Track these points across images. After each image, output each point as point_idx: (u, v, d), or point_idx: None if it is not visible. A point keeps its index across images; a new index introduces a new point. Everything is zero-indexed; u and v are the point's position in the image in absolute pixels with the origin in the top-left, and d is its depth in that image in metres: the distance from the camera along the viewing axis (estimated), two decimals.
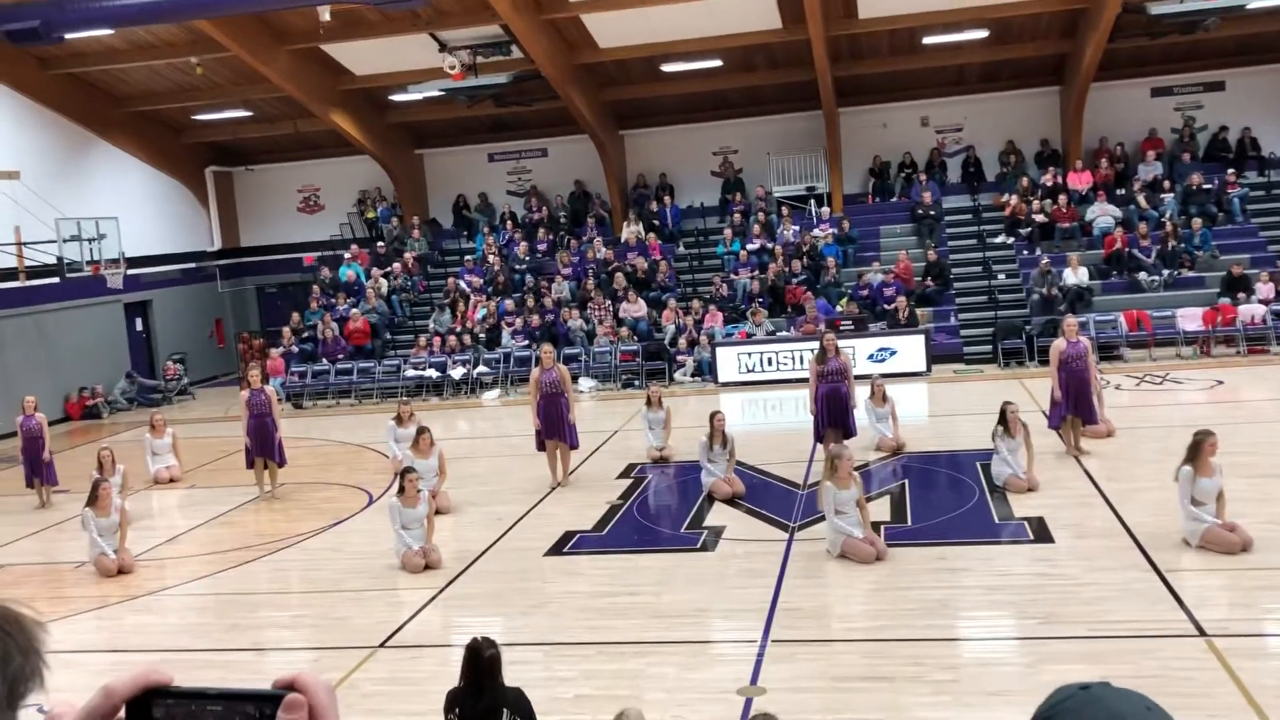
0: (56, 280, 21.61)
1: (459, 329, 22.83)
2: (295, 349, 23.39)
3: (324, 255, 26.79)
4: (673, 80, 24.23)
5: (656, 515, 12.52)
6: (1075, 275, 20.86)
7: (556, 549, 11.08)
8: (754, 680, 7.49)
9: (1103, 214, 22.62)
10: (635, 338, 21.82)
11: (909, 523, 11.12)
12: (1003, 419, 11.95)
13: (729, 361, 20.52)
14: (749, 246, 23.47)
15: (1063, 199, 22.86)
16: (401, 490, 10.84)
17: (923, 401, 18.22)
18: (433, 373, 21.97)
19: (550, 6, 20.61)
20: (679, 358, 21.26)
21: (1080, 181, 23.52)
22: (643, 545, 11.23)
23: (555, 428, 13.57)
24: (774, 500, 12.26)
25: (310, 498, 14.37)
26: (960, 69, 24.41)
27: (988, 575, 9.39)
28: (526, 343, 22.01)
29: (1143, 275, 21.05)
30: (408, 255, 25.71)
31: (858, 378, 14.31)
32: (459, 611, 9.67)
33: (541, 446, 13.74)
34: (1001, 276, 22.37)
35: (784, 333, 21.23)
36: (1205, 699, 6.67)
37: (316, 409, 21.93)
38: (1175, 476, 9.57)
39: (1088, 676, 1.35)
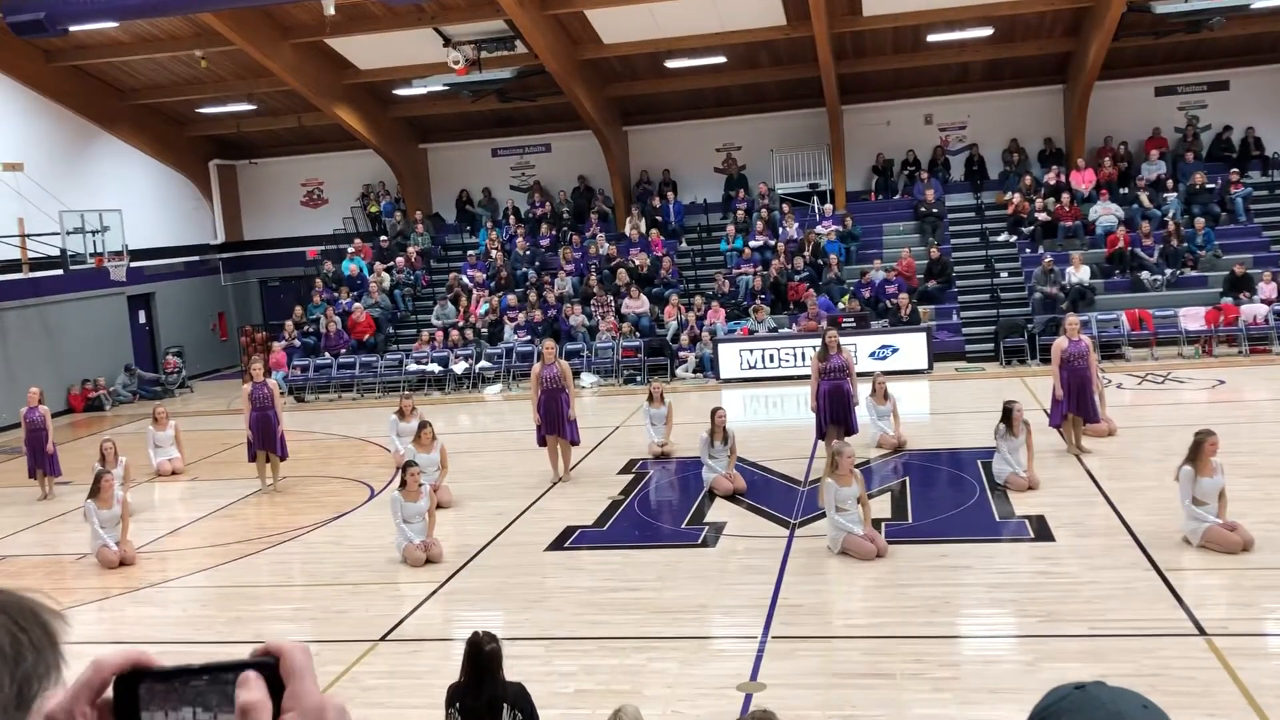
0: (60, 272, 21.65)
1: (461, 324, 22.85)
2: (298, 342, 23.41)
3: (327, 249, 26.82)
4: (677, 76, 24.22)
5: (657, 511, 12.53)
6: (1078, 274, 20.86)
7: (557, 544, 11.10)
8: (754, 676, 7.50)
9: (1106, 213, 22.60)
10: (637, 333, 21.84)
11: (910, 520, 11.13)
12: (1006, 417, 11.95)
13: (731, 358, 20.52)
14: (752, 243, 23.47)
15: (1066, 197, 22.85)
16: (403, 484, 10.86)
17: (924, 399, 18.22)
18: (435, 367, 21.99)
19: (554, 2, 20.60)
20: (681, 354, 21.27)
21: (1083, 180, 23.50)
22: (644, 541, 11.26)
23: (556, 423, 13.59)
24: (775, 497, 12.28)
25: (312, 491, 14.40)
26: (964, 67, 24.39)
27: (988, 573, 9.40)
28: (529, 338, 22.02)
29: (1145, 274, 21.04)
30: (411, 250, 25.72)
31: (860, 375, 14.31)
32: (460, 606, 9.70)
33: (543, 442, 13.75)
34: (1004, 275, 22.37)
35: (786, 329, 21.23)
36: (1205, 698, 6.68)
37: (318, 402, 21.96)
38: (1176, 476, 9.58)
39: (1088, 675, 1.37)
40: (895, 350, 19.92)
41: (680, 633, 8.52)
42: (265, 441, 14.30)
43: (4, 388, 20.94)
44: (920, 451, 14.04)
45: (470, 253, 25.58)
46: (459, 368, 21.79)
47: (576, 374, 18.67)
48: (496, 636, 6.02)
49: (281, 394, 16.05)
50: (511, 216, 26.33)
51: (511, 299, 23.22)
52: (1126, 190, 23.39)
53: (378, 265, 25.14)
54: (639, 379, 20.79)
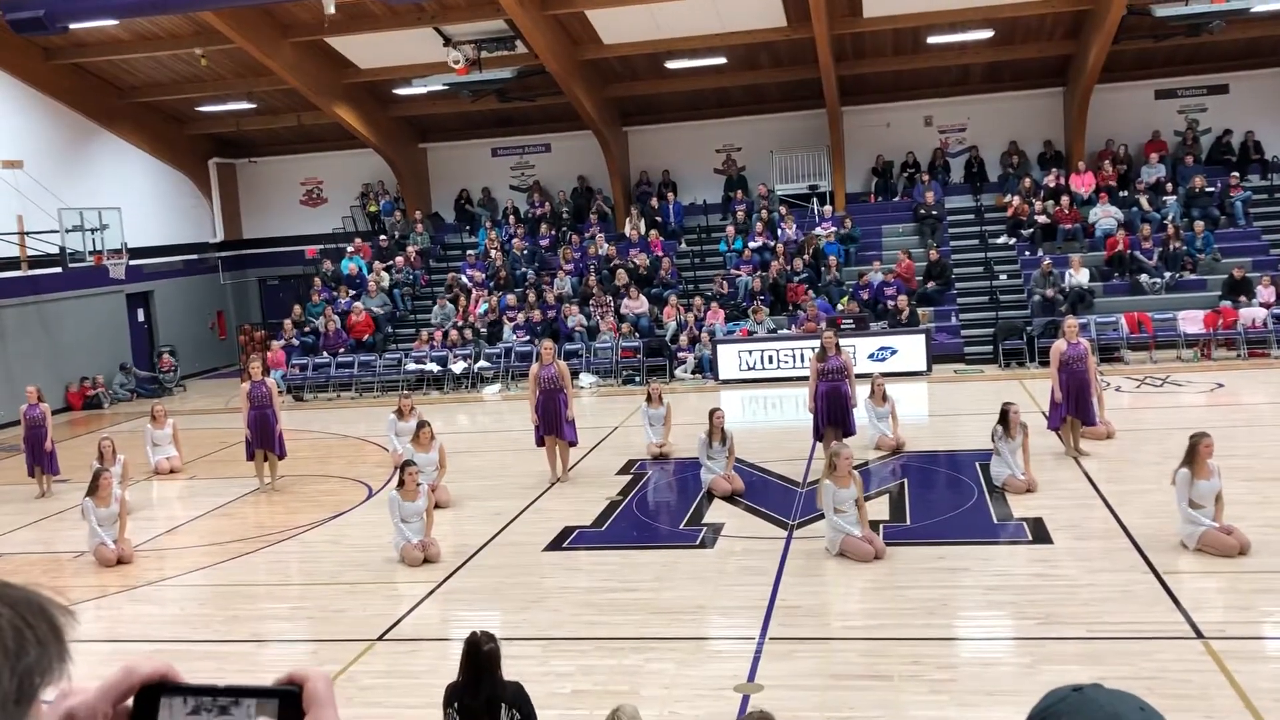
0: (59, 270, 21.64)
1: (460, 323, 22.85)
2: (296, 341, 23.41)
3: (326, 248, 26.82)
4: (677, 77, 24.23)
5: (656, 512, 12.53)
6: (1077, 276, 20.87)
7: (555, 544, 11.09)
8: (751, 677, 7.50)
9: (1105, 216, 22.61)
10: (636, 334, 21.84)
11: (908, 522, 11.13)
12: (1003, 419, 11.96)
13: (730, 359, 20.53)
14: (751, 244, 23.48)
15: (1065, 200, 22.86)
16: (401, 483, 10.85)
17: (923, 401, 18.22)
18: (434, 367, 21.99)
19: (555, 2, 20.60)
20: (680, 355, 21.27)
21: (1083, 183, 23.51)
22: (642, 541, 11.25)
23: (554, 424, 13.59)
24: (773, 498, 12.28)
25: (310, 490, 14.39)
26: (964, 69, 24.40)
27: (986, 575, 9.41)
28: (528, 338, 22.02)
29: (1144, 277, 21.05)
30: (410, 249, 25.72)
31: (858, 376, 14.32)
32: (457, 605, 9.69)
33: (541, 442, 13.75)
34: (1003, 277, 22.38)
35: (785, 331, 21.23)
36: (1202, 701, 6.68)
37: (317, 402, 21.96)
38: (1173, 480, 9.58)
39: (1085, 677, 1.37)
40: (894, 352, 19.93)
41: (678, 633, 8.52)
42: (263, 440, 14.30)
43: (3, 385, 20.93)
44: (919, 453, 14.04)
45: (469, 252, 25.58)
46: (458, 367, 21.79)
47: (575, 374, 18.68)
48: (495, 636, 6.01)
49: (280, 393, 16.05)
50: (511, 216, 26.33)
51: (510, 299, 23.22)
52: (1126, 193, 23.40)
53: (377, 264, 25.14)
54: (638, 379, 20.79)
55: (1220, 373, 18.35)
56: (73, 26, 19.68)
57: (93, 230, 21.75)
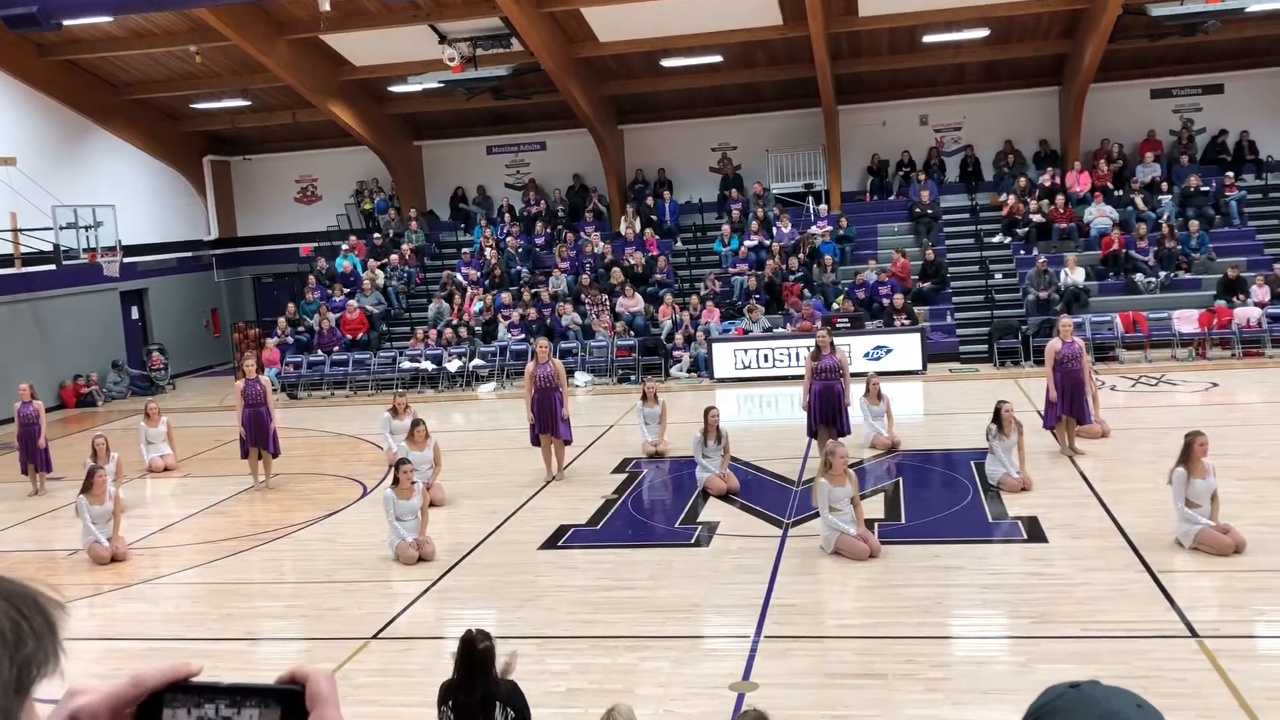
0: (53, 267, 21.58)
1: (455, 322, 22.83)
2: (290, 339, 23.38)
3: (320, 246, 26.78)
4: (672, 75, 24.22)
5: (651, 510, 12.52)
6: (1072, 276, 20.89)
7: (551, 543, 11.08)
8: (746, 676, 7.50)
9: (1100, 215, 22.63)
10: (632, 333, 21.83)
11: (903, 520, 11.13)
12: (997, 417, 11.96)
13: (725, 357, 20.53)
14: (747, 243, 23.47)
15: (1060, 199, 22.87)
16: (396, 482, 10.84)
17: (918, 400, 18.24)
18: (428, 365, 21.96)
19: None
20: (675, 353, 21.27)
21: (1078, 182, 23.53)
22: (637, 540, 11.25)
23: (549, 422, 13.57)
24: (768, 496, 12.28)
25: (304, 488, 14.37)
26: (960, 68, 24.41)
27: (981, 574, 9.41)
28: (523, 336, 22.01)
29: (1139, 276, 21.07)
30: (405, 247, 25.69)
31: (854, 375, 14.32)
32: (452, 604, 9.68)
33: (536, 441, 13.74)
34: (998, 276, 22.39)
35: (780, 330, 21.23)
36: (1196, 700, 6.68)
37: (311, 400, 21.93)
38: (1169, 479, 9.59)
39: (1080, 676, 1.36)
40: (889, 351, 19.93)
41: (673, 632, 8.51)
42: (257, 438, 14.28)
43: None
44: (914, 452, 14.05)
45: (464, 250, 25.54)
46: (452, 366, 21.76)
47: (570, 373, 18.66)
48: (490, 635, 6.00)
49: (274, 391, 16.02)
50: (506, 214, 26.31)
51: (505, 297, 23.21)
52: (1121, 192, 23.41)
53: (371, 262, 25.10)
54: (633, 378, 20.79)
55: (1215, 372, 18.37)
56: (67, 23, 19.63)
57: (87, 228, 21.69)
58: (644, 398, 14.90)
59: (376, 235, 26.47)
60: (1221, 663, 7.17)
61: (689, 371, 20.96)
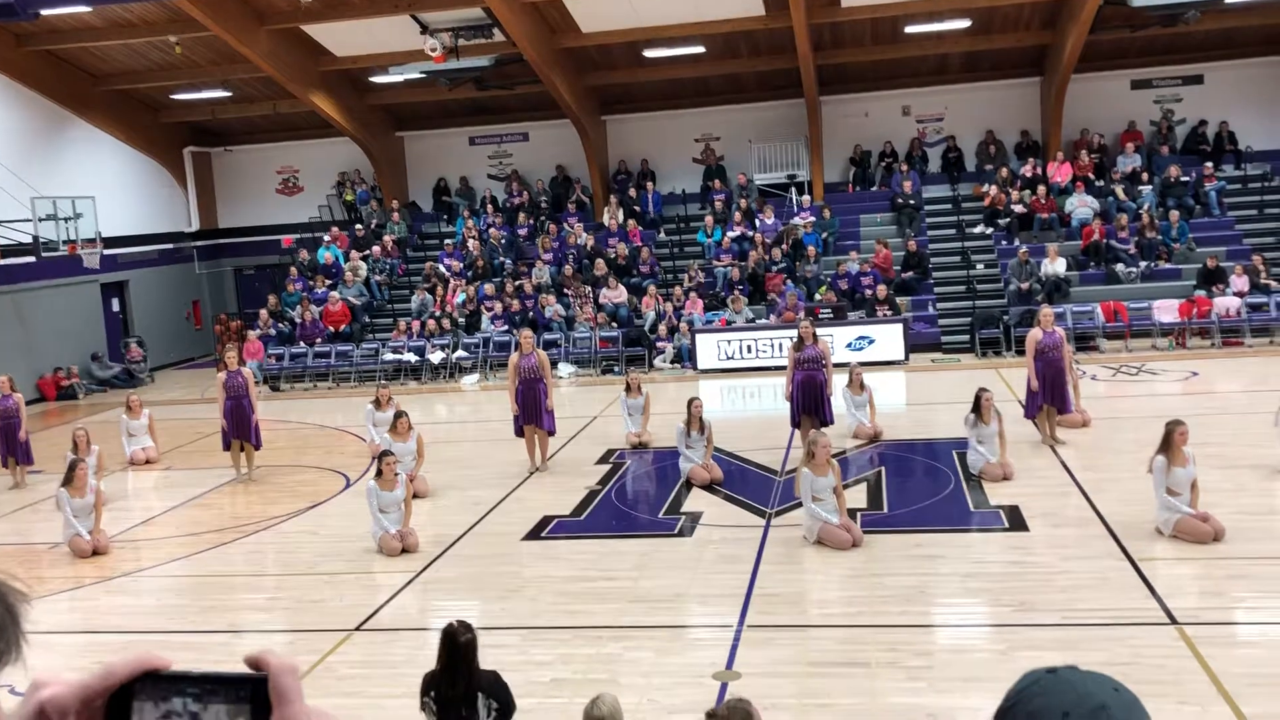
0: (32, 259, 21.43)
1: (438, 313, 22.78)
2: (273, 331, 23.29)
3: (302, 237, 26.66)
4: (655, 66, 24.20)
5: (634, 501, 12.54)
6: (1053, 266, 20.98)
7: (534, 534, 11.09)
8: (730, 665, 7.53)
9: (1081, 205, 22.73)
10: (614, 324, 21.82)
11: (885, 510, 11.18)
12: (976, 405, 12.02)
13: (708, 348, 20.55)
14: (730, 234, 23.49)
15: (1042, 190, 22.96)
16: (379, 473, 10.83)
17: (900, 390, 18.30)
18: (411, 357, 21.91)
19: None
20: (659, 344, 21.28)
21: (1059, 173, 23.63)
22: (620, 530, 11.26)
23: (533, 413, 13.56)
24: (751, 486, 12.31)
25: (287, 480, 14.33)
26: (942, 58, 24.46)
27: (963, 562, 9.46)
28: (506, 328, 21.98)
29: (1120, 266, 21.18)
30: (387, 238, 25.61)
31: (836, 366, 14.35)
32: (436, 595, 9.68)
33: (520, 432, 13.74)
34: (980, 266, 22.46)
35: (763, 320, 21.26)
36: (1175, 686, 6.74)
37: (294, 392, 21.86)
38: (1149, 467, 9.66)
39: (1060, 662, 1.37)
40: (872, 341, 19.98)
41: (657, 622, 8.53)
42: (239, 430, 14.23)
43: None
44: (896, 442, 14.10)
45: (447, 242, 25.49)
46: (435, 357, 21.72)
47: (554, 364, 18.64)
48: (472, 626, 6.01)
49: (256, 383, 15.96)
50: (489, 205, 26.25)
51: (488, 288, 23.17)
52: (1102, 183, 23.52)
53: (354, 254, 25.01)
54: (616, 369, 20.79)
55: (1195, 361, 18.48)
56: (45, 13, 19.47)
57: (66, 219, 21.54)
58: (627, 389, 14.90)
59: (359, 226, 26.37)
60: (1200, 649, 7.23)
61: (672, 362, 20.98)
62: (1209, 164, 23.16)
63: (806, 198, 24.55)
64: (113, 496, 13.38)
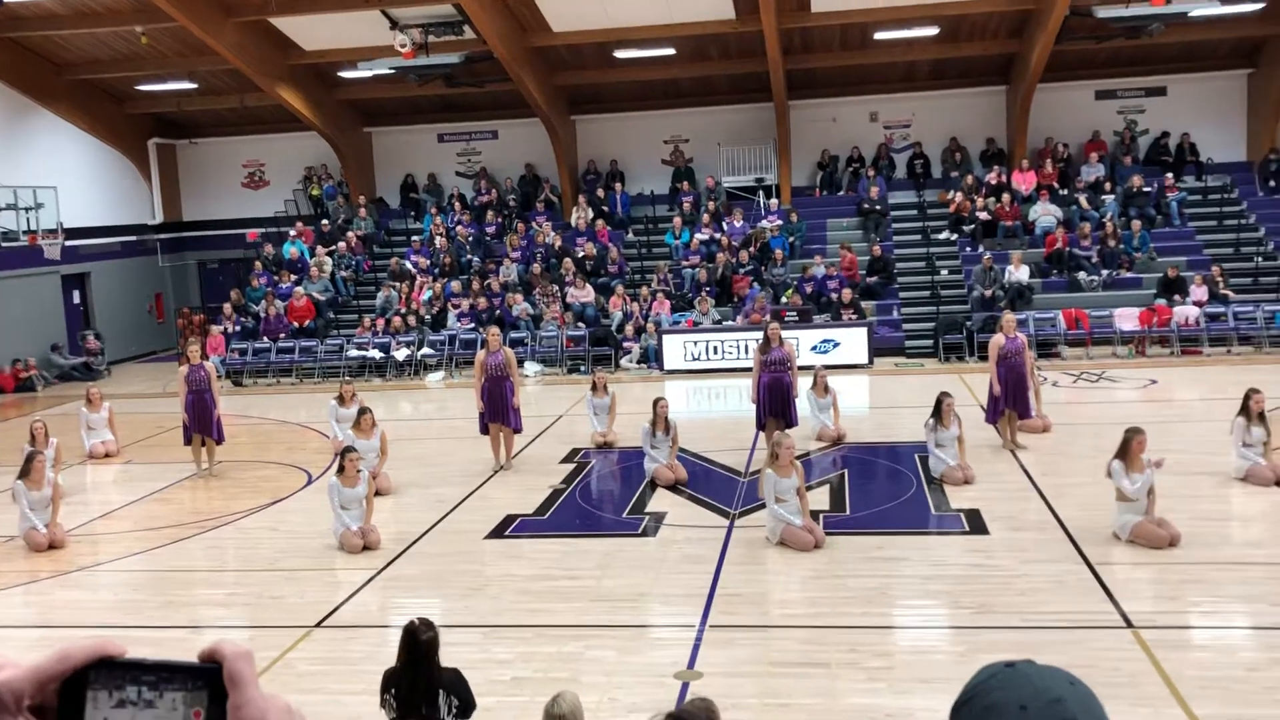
0: None
1: (404, 310, 22.67)
2: (236, 326, 23.10)
3: (268, 232, 26.47)
4: (626, 67, 24.21)
5: (599, 500, 12.54)
6: (1017, 273, 21.17)
7: (497, 532, 11.06)
8: (691, 665, 7.54)
9: (1045, 213, 22.96)
10: (581, 323, 21.81)
11: (848, 512, 11.25)
12: (937, 409, 12.12)
13: (675, 349, 20.58)
14: (698, 236, 23.54)
15: (1006, 197, 23.18)
16: (341, 470, 10.76)
17: (864, 393, 18.41)
18: (376, 353, 21.80)
19: None
20: (625, 344, 21.29)
21: (1024, 181, 23.86)
22: (584, 530, 11.25)
23: (499, 411, 13.53)
24: (716, 487, 12.34)
25: (248, 476, 14.22)
26: (910, 65, 24.62)
27: (923, 565, 9.53)
28: (472, 325, 21.91)
29: (1082, 275, 21.41)
30: (352, 234, 25.46)
31: (801, 368, 14.42)
32: (397, 592, 9.64)
33: (485, 430, 13.70)
34: (944, 272, 22.63)
35: (730, 322, 21.32)
36: (1131, 689, 6.82)
37: (257, 387, 21.69)
38: (1107, 472, 9.76)
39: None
40: (836, 345, 20.09)
41: (619, 621, 8.54)
42: (201, 425, 14.11)
43: None
44: (859, 445, 14.19)
45: (414, 238, 25.38)
46: (401, 354, 21.62)
47: (520, 362, 18.61)
48: (434, 624, 6.00)
49: (218, 378, 15.83)
50: (456, 203, 26.16)
51: (455, 286, 23.09)
52: (1066, 191, 23.77)
53: (319, 249, 24.86)
54: (583, 368, 20.78)
55: (1154, 369, 18.71)
56: (8, 0, 19.21)
57: (27, 209, 21.29)
58: (594, 388, 14.90)
59: (325, 222, 26.20)
60: (1155, 652, 7.33)
61: (639, 363, 21.00)
62: (1170, 175, 23.47)
63: (774, 201, 24.64)
64: (71, 490, 13.22)
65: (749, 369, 14.80)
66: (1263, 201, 23.37)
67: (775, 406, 13.40)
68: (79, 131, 25.41)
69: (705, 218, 24.03)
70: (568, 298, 22.35)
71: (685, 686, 7.15)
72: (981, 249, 22.32)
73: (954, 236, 23.40)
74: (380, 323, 22.42)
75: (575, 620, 8.54)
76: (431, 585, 9.74)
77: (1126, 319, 20.22)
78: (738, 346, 20.07)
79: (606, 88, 25.60)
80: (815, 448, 13.96)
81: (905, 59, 24.10)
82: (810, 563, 9.63)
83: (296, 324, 22.92)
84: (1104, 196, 23.23)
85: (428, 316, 22.61)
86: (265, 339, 22.59)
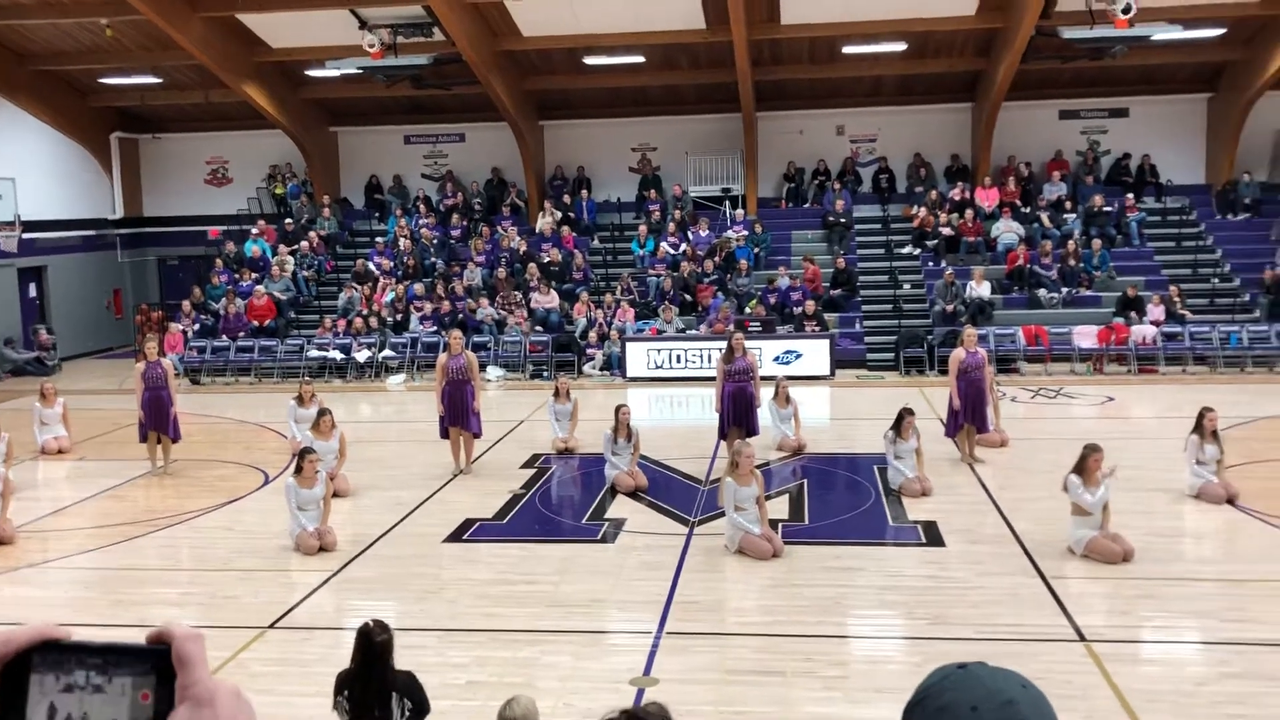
0: None
1: (366, 311, 22.53)
2: (195, 324, 22.86)
3: (229, 229, 26.22)
4: (595, 73, 24.22)
5: (559, 506, 12.51)
6: (978, 289, 21.36)
7: (456, 536, 11.01)
8: (647, 671, 7.53)
9: (1007, 230, 23.19)
10: (544, 329, 21.76)
11: (806, 521, 11.28)
12: (898, 423, 12.20)
13: (638, 357, 20.58)
14: (664, 244, 23.58)
15: (969, 214, 23.39)
16: (299, 470, 10.67)
17: (825, 404, 18.49)
18: (337, 354, 21.64)
19: None
20: (589, 351, 21.27)
21: (987, 198, 24.09)
22: (543, 535, 11.22)
23: (459, 415, 13.47)
24: (676, 495, 12.35)
25: (204, 475, 14.07)
26: (877, 80, 24.80)
27: (880, 576, 9.57)
28: (435, 328, 21.80)
29: (1043, 292, 21.64)
30: (315, 234, 25.28)
31: (763, 379, 14.47)
32: (353, 594, 9.56)
33: (445, 433, 13.63)
34: (907, 286, 22.79)
35: (694, 331, 21.35)
36: (1082, 702, 6.88)
37: (215, 385, 21.47)
38: (1064, 486, 9.86)
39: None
40: (799, 356, 20.17)
41: (575, 627, 8.52)
42: (157, 422, 13.94)
43: None
44: (819, 455, 14.24)
45: (378, 240, 25.23)
46: (361, 356, 21.48)
47: (483, 367, 18.55)
48: (388, 626, 5.95)
49: (176, 375, 15.66)
50: (422, 205, 26.04)
51: (419, 288, 22.97)
52: (1028, 209, 24.02)
53: (282, 248, 24.65)
54: (546, 374, 20.73)
55: (1111, 386, 18.93)
56: None
57: None
58: (556, 394, 14.87)
59: (288, 221, 26.00)
60: (1107, 666, 7.40)
61: (602, 369, 20.98)
62: (1131, 195, 23.79)
63: (740, 211, 24.73)
64: (22, 485, 13.00)
65: (712, 378, 14.83)
66: (1220, 224, 23.73)
67: (739, 415, 13.43)
68: (40, 124, 25.06)
69: (671, 226, 24.06)
70: (532, 303, 22.30)
71: (641, 692, 7.14)
72: (944, 264, 22.50)
73: (917, 251, 23.58)
74: (342, 324, 22.26)
75: (531, 625, 8.51)
76: (388, 588, 9.67)
77: (1085, 336, 20.45)
78: (701, 355, 20.10)
79: (575, 94, 25.59)
80: (775, 457, 14.01)
81: (872, 73, 24.27)
82: (768, 571, 9.65)
83: (256, 323, 22.71)
84: (1065, 215, 23.50)
85: (390, 319, 22.48)
86: (224, 337, 22.36)
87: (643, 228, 24.26)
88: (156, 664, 0.96)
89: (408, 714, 5.80)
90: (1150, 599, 8.91)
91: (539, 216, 25.17)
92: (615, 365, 20.84)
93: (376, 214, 26.82)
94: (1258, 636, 7.95)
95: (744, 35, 20.73)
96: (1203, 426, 11.60)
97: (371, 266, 24.03)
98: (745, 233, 23.81)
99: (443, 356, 13.85)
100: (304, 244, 24.94)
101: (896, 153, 25.76)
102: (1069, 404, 17.79)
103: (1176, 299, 20.70)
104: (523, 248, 23.98)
